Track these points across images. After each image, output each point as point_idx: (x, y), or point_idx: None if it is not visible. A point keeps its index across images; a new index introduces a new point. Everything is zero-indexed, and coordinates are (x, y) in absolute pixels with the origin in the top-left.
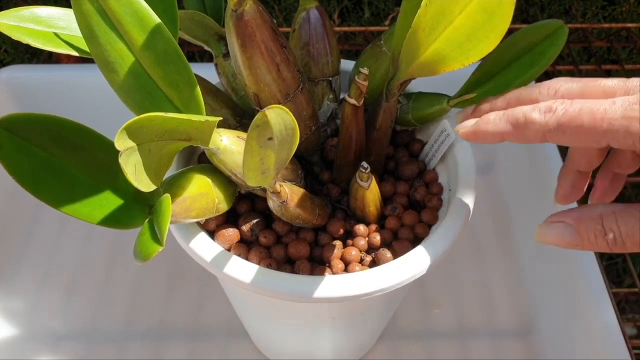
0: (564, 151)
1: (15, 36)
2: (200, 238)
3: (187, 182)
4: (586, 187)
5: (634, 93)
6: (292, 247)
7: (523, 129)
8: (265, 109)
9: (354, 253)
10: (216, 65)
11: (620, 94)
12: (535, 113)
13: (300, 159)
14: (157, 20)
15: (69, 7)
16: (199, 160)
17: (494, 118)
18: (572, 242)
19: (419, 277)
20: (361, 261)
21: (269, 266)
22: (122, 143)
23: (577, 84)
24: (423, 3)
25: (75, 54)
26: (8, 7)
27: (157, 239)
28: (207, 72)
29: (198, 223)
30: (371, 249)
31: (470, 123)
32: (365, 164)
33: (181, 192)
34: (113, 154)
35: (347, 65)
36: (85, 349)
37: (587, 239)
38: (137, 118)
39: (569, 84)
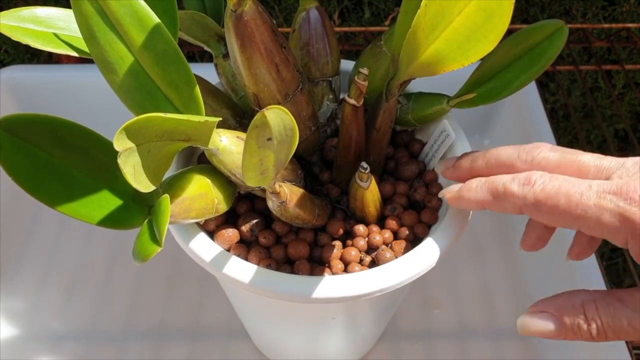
0: None
1: (15, 36)
2: (200, 238)
3: (186, 182)
4: (550, 238)
5: (607, 175)
6: (291, 247)
7: (502, 199)
8: (264, 109)
9: (353, 253)
10: (216, 65)
11: (592, 172)
12: (514, 184)
13: (300, 159)
14: (157, 20)
15: (69, 7)
16: (199, 160)
17: (476, 185)
18: (556, 333)
19: (418, 277)
20: (360, 261)
21: (269, 266)
22: (121, 143)
23: (555, 153)
24: (422, 3)
25: (74, 54)
26: (8, 7)
27: (155, 239)
28: (207, 72)
29: (197, 223)
30: (370, 249)
31: (455, 188)
32: (364, 164)
33: (180, 193)
34: (112, 154)
35: (347, 65)
36: (85, 349)
37: (571, 329)
38: (135, 118)
39: (546, 153)
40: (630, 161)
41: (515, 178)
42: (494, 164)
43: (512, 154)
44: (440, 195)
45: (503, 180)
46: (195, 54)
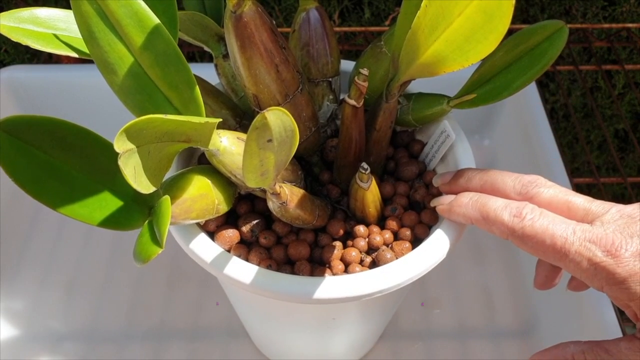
0: (565, 155)
1: (15, 37)
2: (200, 239)
3: (187, 183)
4: (558, 278)
5: (593, 218)
6: (291, 247)
7: (491, 223)
8: (264, 111)
9: (353, 254)
10: (216, 65)
11: (580, 214)
12: (505, 213)
13: (300, 159)
14: (156, 20)
15: (69, 8)
16: (199, 160)
17: (467, 201)
18: None
19: (419, 278)
20: (361, 262)
21: (269, 267)
22: (121, 145)
23: (548, 190)
24: (422, 4)
25: (74, 55)
26: (8, 8)
27: (156, 240)
28: (207, 72)
29: (198, 224)
30: (371, 250)
31: (447, 200)
32: (364, 165)
33: (181, 193)
34: (112, 155)
35: (347, 65)
36: (85, 349)
37: None
38: (136, 120)
39: (541, 189)
40: (615, 208)
41: (508, 207)
42: (489, 188)
43: (508, 183)
44: (432, 204)
45: (495, 206)
46: (195, 54)
